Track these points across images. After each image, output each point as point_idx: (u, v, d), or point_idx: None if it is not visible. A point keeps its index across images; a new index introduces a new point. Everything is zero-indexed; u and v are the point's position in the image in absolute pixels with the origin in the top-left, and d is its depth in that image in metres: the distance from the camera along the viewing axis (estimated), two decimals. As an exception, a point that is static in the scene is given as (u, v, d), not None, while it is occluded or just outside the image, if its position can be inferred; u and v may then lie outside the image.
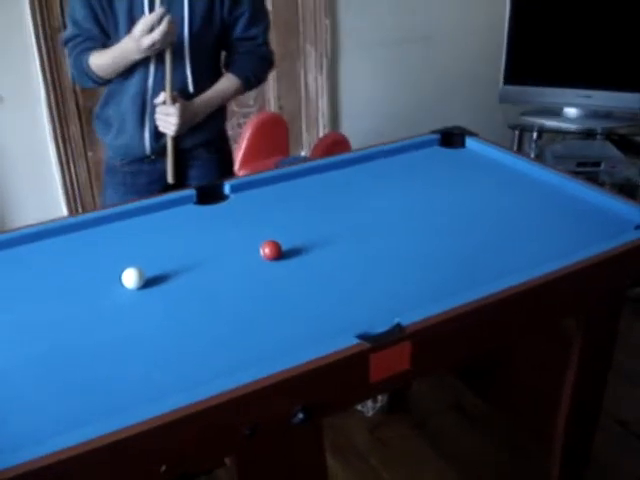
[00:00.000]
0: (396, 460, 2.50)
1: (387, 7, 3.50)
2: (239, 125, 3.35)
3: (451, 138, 2.42)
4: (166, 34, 2.08)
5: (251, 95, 3.37)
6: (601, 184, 3.19)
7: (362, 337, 1.40)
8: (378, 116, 3.58)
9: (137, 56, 2.14)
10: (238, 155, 2.99)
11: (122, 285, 1.65)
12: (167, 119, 2.21)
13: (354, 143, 2.99)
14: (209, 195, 2.08)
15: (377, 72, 3.59)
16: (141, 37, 2.08)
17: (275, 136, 3.08)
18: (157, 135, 2.27)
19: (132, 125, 2.28)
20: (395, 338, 1.42)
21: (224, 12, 2.22)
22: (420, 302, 1.54)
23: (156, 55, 2.16)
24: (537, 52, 3.47)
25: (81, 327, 1.54)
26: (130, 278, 1.65)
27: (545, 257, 1.70)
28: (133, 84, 2.23)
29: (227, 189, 2.11)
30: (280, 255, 1.76)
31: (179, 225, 1.97)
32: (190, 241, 1.88)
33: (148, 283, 1.67)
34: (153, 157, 2.33)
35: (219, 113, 2.40)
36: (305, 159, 3.14)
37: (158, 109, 2.22)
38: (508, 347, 2.19)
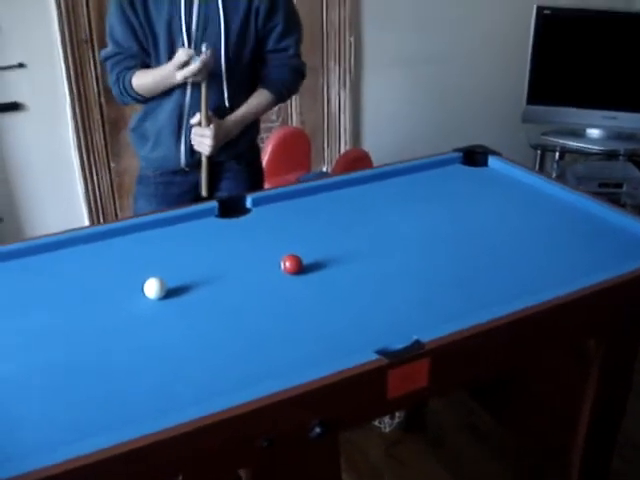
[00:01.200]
0: (411, 478, 2.49)
1: (410, 25, 3.51)
2: (262, 140, 3.36)
3: (474, 157, 2.42)
4: (202, 69, 2.13)
5: (274, 110, 3.39)
6: (623, 205, 3.18)
7: (381, 352, 1.40)
8: (400, 133, 3.59)
9: (176, 82, 2.18)
10: (260, 169, 3.00)
11: (144, 295, 1.66)
12: (202, 140, 2.24)
13: (376, 159, 3.00)
14: (231, 208, 2.10)
15: (400, 89, 3.60)
16: (177, 69, 2.13)
17: (297, 151, 3.10)
18: (192, 150, 2.31)
19: (169, 139, 2.32)
20: (414, 354, 1.42)
21: (258, 24, 2.25)
22: (438, 320, 1.53)
23: None
24: (561, 72, 3.47)
25: (100, 335, 1.55)
26: (152, 288, 1.66)
27: (565, 278, 1.70)
28: (171, 101, 2.27)
29: (249, 202, 2.12)
30: (301, 269, 1.76)
31: (201, 237, 1.98)
32: (211, 254, 1.89)
33: (169, 294, 1.68)
34: (187, 169, 2.36)
35: (252, 126, 2.43)
36: (326, 174, 3.15)
37: (194, 130, 2.26)
38: (524, 366, 2.18)
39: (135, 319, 1.62)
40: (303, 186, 2.26)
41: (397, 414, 2.68)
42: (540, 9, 3.35)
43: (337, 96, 3.46)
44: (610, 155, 3.68)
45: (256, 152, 2.57)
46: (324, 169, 3.48)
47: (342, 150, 3.49)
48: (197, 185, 2.36)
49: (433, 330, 1.47)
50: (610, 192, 3.38)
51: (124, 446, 1.18)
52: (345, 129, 3.51)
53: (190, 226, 2.03)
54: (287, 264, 1.75)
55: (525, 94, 3.46)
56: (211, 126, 2.22)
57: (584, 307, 1.67)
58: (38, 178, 3.05)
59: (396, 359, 1.40)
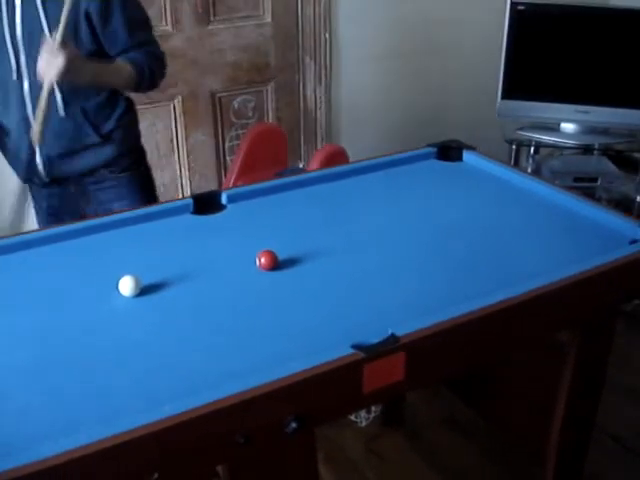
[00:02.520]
0: (390, 473, 2.49)
1: (386, 21, 3.51)
2: (237, 136, 3.36)
3: (448, 152, 2.43)
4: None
5: (249, 106, 3.38)
6: (598, 200, 3.20)
7: (356, 347, 1.41)
8: (376, 129, 3.59)
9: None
10: (236, 166, 3.00)
11: (119, 293, 1.66)
12: (51, 60, 1.96)
13: (352, 155, 3.00)
14: (206, 205, 2.09)
15: (375, 85, 3.60)
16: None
17: (273, 147, 3.09)
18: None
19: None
20: (389, 348, 1.42)
21: (96, 29, 2.12)
22: (414, 314, 1.54)
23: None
24: (535, 67, 3.49)
25: (75, 333, 1.55)
26: (126, 286, 1.65)
27: (539, 271, 1.71)
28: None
29: (224, 199, 2.12)
30: (276, 265, 1.76)
31: (176, 234, 1.97)
32: (187, 250, 1.88)
33: (144, 291, 1.67)
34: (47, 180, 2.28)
35: (125, 130, 2.33)
36: (303, 170, 3.14)
37: (44, 47, 1.98)
38: (501, 360, 2.19)
39: (109, 317, 1.61)
40: (278, 182, 2.26)
41: (373, 408, 2.70)
42: (514, 4, 3.36)
43: (313, 92, 3.46)
44: (585, 149, 3.71)
45: (132, 157, 2.41)
46: (301, 165, 3.48)
47: (319, 146, 3.49)
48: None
49: (409, 324, 1.48)
50: (585, 186, 3.41)
51: (100, 444, 1.17)
52: (321, 125, 3.51)
53: (164, 223, 2.02)
54: (262, 260, 1.75)
55: (500, 89, 3.47)
56: (67, 48, 1.97)
57: (559, 299, 1.68)
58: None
59: (371, 353, 1.40)
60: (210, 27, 3.16)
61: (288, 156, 3.20)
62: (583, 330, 1.90)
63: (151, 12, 2.97)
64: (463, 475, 2.47)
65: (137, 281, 1.66)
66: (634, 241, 1.85)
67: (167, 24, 3.07)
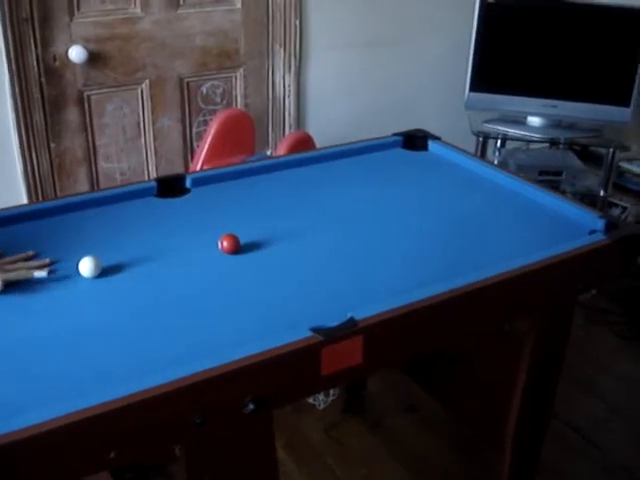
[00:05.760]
0: (351, 460, 2.51)
1: (355, 10, 3.51)
2: (205, 122, 3.34)
3: (414, 141, 2.45)
4: None
5: (218, 92, 3.37)
6: (562, 193, 3.24)
7: (315, 330, 1.41)
8: (344, 117, 3.59)
9: None
10: (202, 151, 2.98)
11: (79, 274, 1.65)
12: None
13: (319, 143, 3.00)
14: (170, 188, 2.08)
15: (344, 74, 3.60)
16: None
17: (241, 133, 3.08)
18: None
19: None
20: (347, 332, 1.43)
21: None
22: (374, 298, 1.55)
23: None
24: (503, 61, 3.51)
25: (30, 316, 1.54)
26: (86, 267, 1.64)
27: (499, 258, 1.73)
28: None
29: (188, 182, 2.11)
30: (238, 248, 1.77)
31: (139, 217, 1.96)
32: (149, 233, 1.87)
33: (104, 273, 1.67)
34: None
35: None
36: (269, 157, 3.14)
37: None
38: (461, 347, 2.21)
39: (69, 298, 1.60)
40: (243, 167, 2.27)
41: (332, 392, 2.72)
42: (484, -3, 3.39)
43: (282, 79, 3.45)
44: (551, 143, 3.74)
45: None
46: (268, 152, 3.47)
47: (287, 133, 3.48)
48: None
49: (368, 308, 1.49)
50: (550, 180, 3.44)
51: (55, 422, 1.17)
52: (290, 112, 3.50)
53: (128, 206, 2.01)
54: (224, 244, 1.75)
55: (468, 82, 3.49)
56: None
57: (517, 286, 1.71)
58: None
59: (330, 336, 1.41)
60: (180, 11, 3.14)
61: (256, 143, 3.19)
62: (541, 319, 1.92)
63: (120, -7, 2.98)
64: (423, 461, 2.50)
65: (97, 262, 1.65)
66: (593, 231, 1.88)
67: (136, 6, 3.04)
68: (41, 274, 1.64)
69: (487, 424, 2.24)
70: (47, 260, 1.71)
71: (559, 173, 3.52)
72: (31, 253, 1.74)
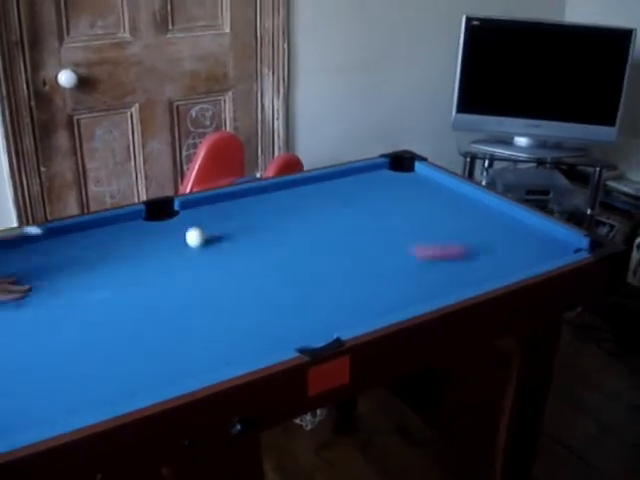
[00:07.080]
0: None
1: (343, 33, 3.54)
2: (195, 145, 3.36)
3: (401, 162, 2.47)
4: None
5: (207, 115, 3.39)
6: (550, 212, 3.26)
7: (301, 351, 1.42)
8: (333, 139, 3.62)
9: None
10: (191, 174, 2.99)
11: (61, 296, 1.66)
12: None
13: (308, 165, 3.01)
14: (158, 211, 2.09)
15: (332, 97, 3.63)
16: None
17: (230, 156, 3.09)
18: None
19: None
20: (334, 352, 1.44)
21: None
22: (360, 319, 1.56)
23: None
24: (490, 82, 3.55)
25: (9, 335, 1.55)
26: (193, 237, 1.80)
27: (484, 277, 1.74)
28: None
29: (177, 205, 2.13)
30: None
31: (127, 240, 1.97)
32: (137, 256, 1.88)
33: (92, 293, 1.68)
34: None
35: None
36: (259, 180, 3.15)
37: None
38: (449, 368, 2.22)
39: (55, 319, 1.61)
40: (232, 189, 2.28)
41: (319, 412, 2.71)
42: (469, 20, 3.42)
43: (271, 102, 3.47)
44: (538, 163, 3.77)
45: None
46: (258, 175, 3.48)
47: (276, 156, 3.50)
48: None
49: (355, 328, 1.50)
50: (537, 199, 3.47)
51: (43, 444, 1.18)
52: (279, 135, 3.52)
53: (117, 229, 2.02)
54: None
55: (455, 103, 3.52)
56: None
57: (505, 305, 1.72)
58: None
59: (316, 357, 1.42)
60: (169, 35, 3.17)
61: (245, 166, 3.21)
62: (528, 337, 1.94)
63: (110, 19, 3.00)
64: (414, 482, 2.50)
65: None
66: (579, 250, 1.90)
67: (125, 31, 3.06)
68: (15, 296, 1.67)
69: (476, 443, 2.25)
70: (26, 287, 1.72)
71: (546, 192, 3.55)
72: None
